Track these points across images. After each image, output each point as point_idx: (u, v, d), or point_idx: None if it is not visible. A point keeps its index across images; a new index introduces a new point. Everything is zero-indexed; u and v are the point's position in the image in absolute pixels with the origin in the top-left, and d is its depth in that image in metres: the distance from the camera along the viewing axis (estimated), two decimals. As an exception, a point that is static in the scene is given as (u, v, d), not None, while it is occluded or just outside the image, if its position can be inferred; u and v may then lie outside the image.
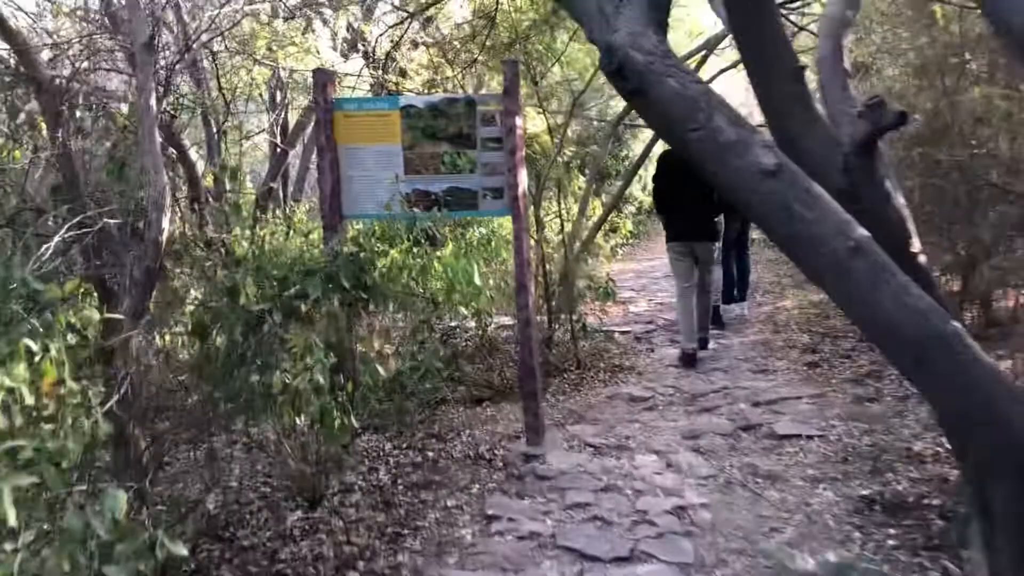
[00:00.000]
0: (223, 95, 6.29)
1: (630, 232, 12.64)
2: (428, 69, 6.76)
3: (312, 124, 6.18)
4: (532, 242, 5.48)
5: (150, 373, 3.63)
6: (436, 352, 5.84)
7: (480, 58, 6.17)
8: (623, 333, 7.74)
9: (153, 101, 3.16)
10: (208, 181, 8.24)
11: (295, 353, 3.32)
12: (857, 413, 5.04)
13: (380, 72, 6.50)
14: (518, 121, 4.69)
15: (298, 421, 3.68)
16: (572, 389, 6.09)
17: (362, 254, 3.80)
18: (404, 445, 5.14)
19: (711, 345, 7.02)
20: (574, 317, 6.58)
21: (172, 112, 7.17)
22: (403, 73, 7.23)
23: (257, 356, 3.38)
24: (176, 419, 3.72)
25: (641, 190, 14.77)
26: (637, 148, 14.44)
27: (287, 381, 3.27)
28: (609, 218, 9.27)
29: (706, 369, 6.42)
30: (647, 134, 15.55)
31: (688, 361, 6.74)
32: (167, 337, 4.28)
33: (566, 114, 6.41)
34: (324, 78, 4.82)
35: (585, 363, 6.59)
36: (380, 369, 4.04)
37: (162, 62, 4.99)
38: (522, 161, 4.76)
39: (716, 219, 6.90)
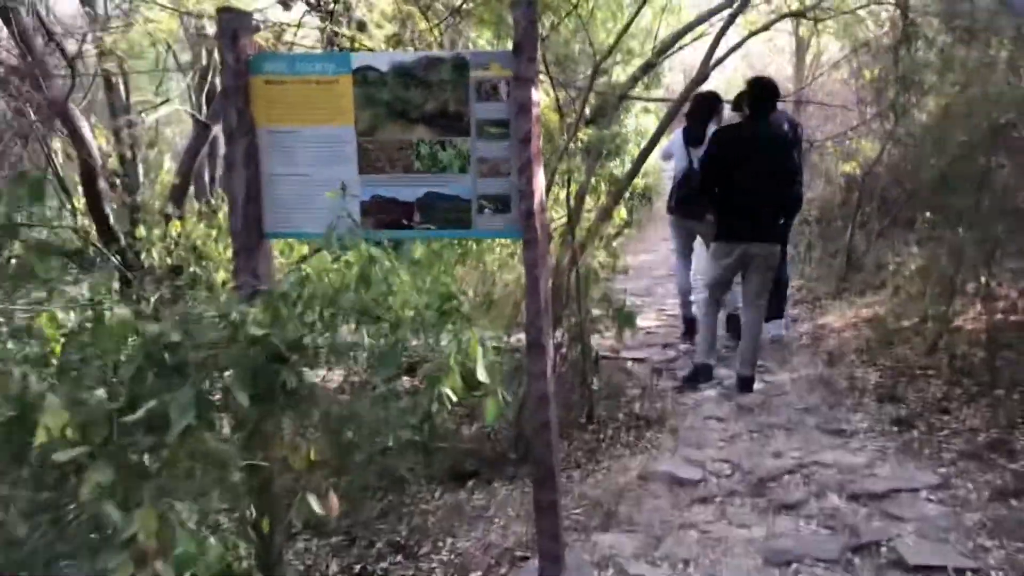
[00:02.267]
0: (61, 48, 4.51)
1: (624, 221, 11.01)
2: (393, 21, 5.09)
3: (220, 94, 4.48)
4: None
5: None
6: (405, 413, 4.23)
7: (466, 5, 4.50)
8: (637, 361, 6.16)
9: None
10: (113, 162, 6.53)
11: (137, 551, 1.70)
12: (1008, 522, 3.51)
13: (328, 24, 4.81)
14: (534, 94, 3.06)
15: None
16: (588, 459, 4.50)
17: (286, 329, 2.16)
18: (356, 565, 3.54)
19: (756, 385, 5.47)
20: (587, 351, 4.99)
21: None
22: (361, 26, 5.52)
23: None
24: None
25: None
26: (628, 124, 12.81)
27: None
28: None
29: (760, 425, 4.86)
30: (638, 107, 13.94)
31: (706, 374, 5.61)
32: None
33: (585, 84, 4.75)
34: (235, 24, 3.13)
35: (599, 414, 5.01)
36: (315, 504, 2.42)
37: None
38: (540, 156, 3.12)
39: (786, 220, 5.42)
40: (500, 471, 4.37)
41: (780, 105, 7.53)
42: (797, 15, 7.71)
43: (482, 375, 2.31)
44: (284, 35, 5.58)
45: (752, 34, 7.51)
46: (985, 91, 5.90)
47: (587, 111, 4.88)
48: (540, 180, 3.11)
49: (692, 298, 6.82)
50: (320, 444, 2.40)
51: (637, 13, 4.94)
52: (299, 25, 4.97)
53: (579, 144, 4.72)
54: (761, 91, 5.41)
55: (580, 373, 5.07)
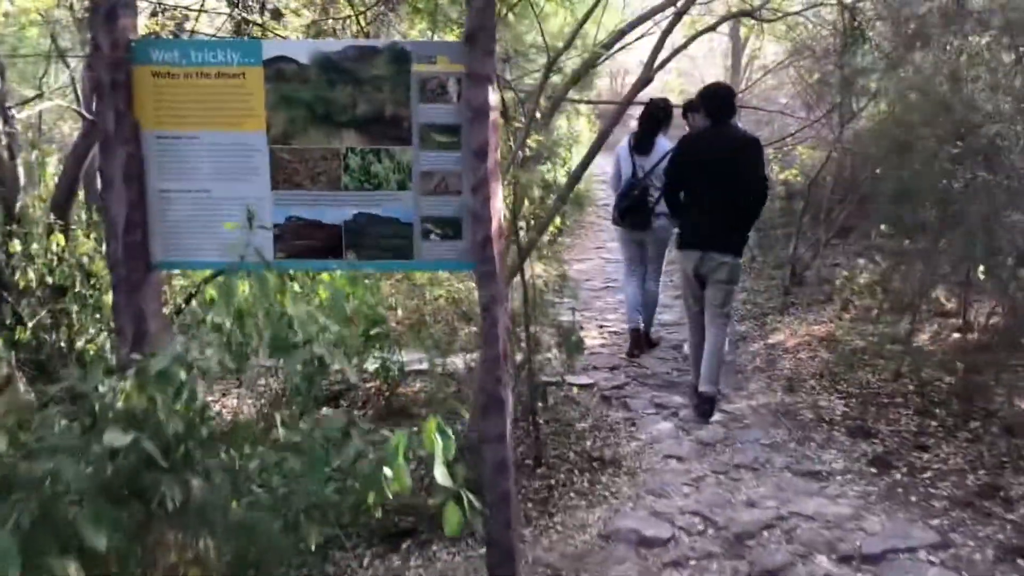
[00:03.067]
0: None
1: (558, 228, 10.55)
2: (312, 7, 4.43)
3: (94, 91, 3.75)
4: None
5: None
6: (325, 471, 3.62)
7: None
8: (583, 388, 5.63)
9: None
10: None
11: None
12: (1022, 589, 3.11)
13: (236, 11, 4.13)
14: (492, 96, 2.49)
15: None
16: (540, 513, 3.94)
17: (176, 421, 1.54)
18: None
19: (715, 417, 5.00)
20: (535, 382, 4.44)
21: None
22: (276, 14, 4.86)
23: None
24: None
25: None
26: (562, 127, 12.30)
27: None
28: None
29: (725, 466, 4.38)
30: (568, 109, 13.43)
31: (704, 410, 5.03)
32: None
33: (538, 82, 4.19)
34: (111, 0, 2.49)
35: (548, 455, 4.46)
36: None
37: None
38: (498, 171, 2.56)
39: (743, 230, 5.04)
40: (440, 528, 3.77)
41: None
42: (744, 15, 7.34)
43: (441, 477, 1.73)
44: (187, 23, 4.87)
45: (698, 35, 7.09)
46: (943, 99, 5.56)
47: (539, 114, 4.32)
48: (499, 200, 2.55)
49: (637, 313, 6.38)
50: (216, 563, 1.79)
51: (595, 6, 4.39)
52: (202, 10, 4.26)
53: (527, 151, 4.16)
54: (722, 96, 5.04)
55: (526, 406, 4.52)
